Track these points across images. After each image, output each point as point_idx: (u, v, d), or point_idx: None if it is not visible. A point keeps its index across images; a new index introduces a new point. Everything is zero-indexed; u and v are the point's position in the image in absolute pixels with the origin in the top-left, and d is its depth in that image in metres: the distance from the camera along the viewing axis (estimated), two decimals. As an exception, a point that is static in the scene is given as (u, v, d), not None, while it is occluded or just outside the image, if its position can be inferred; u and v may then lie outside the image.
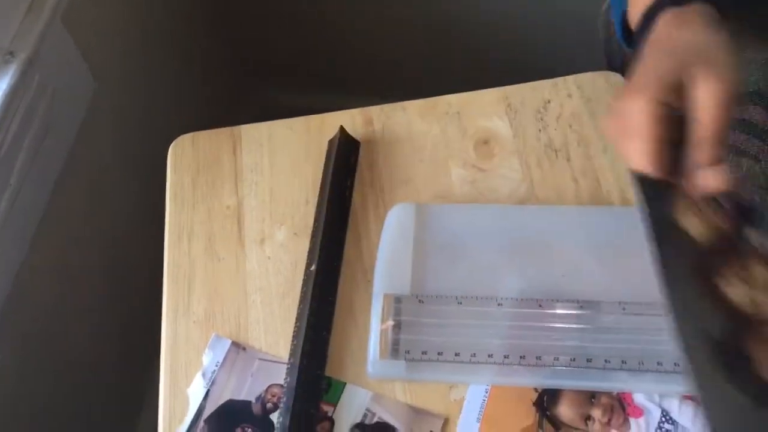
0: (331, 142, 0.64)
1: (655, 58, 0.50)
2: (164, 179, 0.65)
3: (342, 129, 0.64)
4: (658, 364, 0.49)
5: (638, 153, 0.45)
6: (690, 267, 0.44)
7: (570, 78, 0.67)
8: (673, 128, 0.45)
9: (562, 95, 0.66)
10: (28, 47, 0.71)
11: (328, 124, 0.66)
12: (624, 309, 0.51)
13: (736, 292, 0.43)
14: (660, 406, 0.49)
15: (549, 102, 0.65)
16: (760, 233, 0.44)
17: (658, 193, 0.46)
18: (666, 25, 0.52)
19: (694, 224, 0.45)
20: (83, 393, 0.90)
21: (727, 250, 0.44)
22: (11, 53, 0.70)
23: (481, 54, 1.05)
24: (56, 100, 0.76)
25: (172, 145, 0.66)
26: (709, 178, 0.44)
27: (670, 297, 0.42)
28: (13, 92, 0.70)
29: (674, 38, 0.51)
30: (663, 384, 0.49)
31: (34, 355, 0.80)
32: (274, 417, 0.53)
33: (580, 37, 0.80)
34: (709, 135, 0.45)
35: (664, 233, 0.45)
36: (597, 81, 0.66)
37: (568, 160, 0.62)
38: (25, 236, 0.76)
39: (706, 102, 0.44)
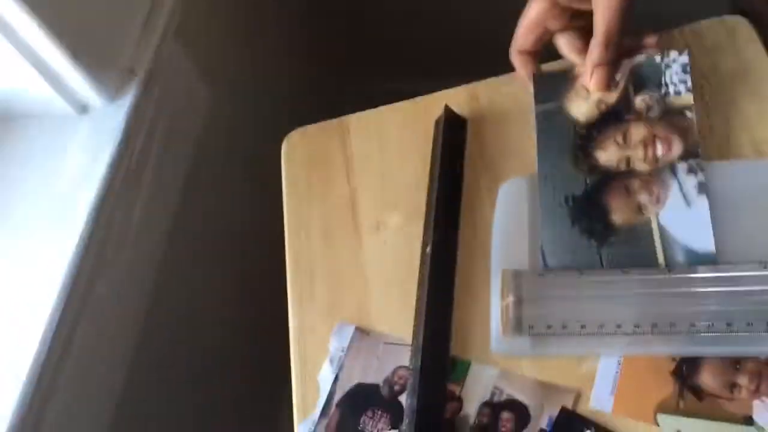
0: (437, 122, 0.64)
1: None
2: (279, 175, 0.67)
3: (447, 108, 0.63)
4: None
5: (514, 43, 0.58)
6: (568, 145, 0.55)
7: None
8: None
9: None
10: (146, 64, 0.75)
11: (434, 104, 0.65)
12: (766, 267, 0.47)
13: (607, 156, 0.54)
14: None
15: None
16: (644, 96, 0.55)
17: (552, 84, 0.58)
18: None
19: (580, 107, 0.56)
20: (219, 389, 0.95)
21: (609, 122, 0.55)
22: (132, 71, 0.74)
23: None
24: (175, 112, 0.81)
25: (284, 141, 0.68)
26: (591, 79, 0.55)
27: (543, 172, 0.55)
28: (137, 109, 0.74)
29: None
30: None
31: (170, 353, 0.85)
32: (403, 399, 0.53)
33: None
34: (599, 38, 0.52)
35: (550, 122, 0.57)
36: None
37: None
38: (159, 240, 0.81)
39: (601, 6, 0.51)
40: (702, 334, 0.47)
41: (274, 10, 1.10)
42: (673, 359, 0.49)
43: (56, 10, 0.66)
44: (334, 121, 0.68)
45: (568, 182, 0.55)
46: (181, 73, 0.84)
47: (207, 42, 0.90)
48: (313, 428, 0.54)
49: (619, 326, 0.49)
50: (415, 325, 0.55)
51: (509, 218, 0.56)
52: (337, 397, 0.55)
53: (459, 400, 0.53)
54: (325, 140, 0.67)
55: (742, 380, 0.46)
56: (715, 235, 0.50)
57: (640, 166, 0.53)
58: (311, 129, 0.68)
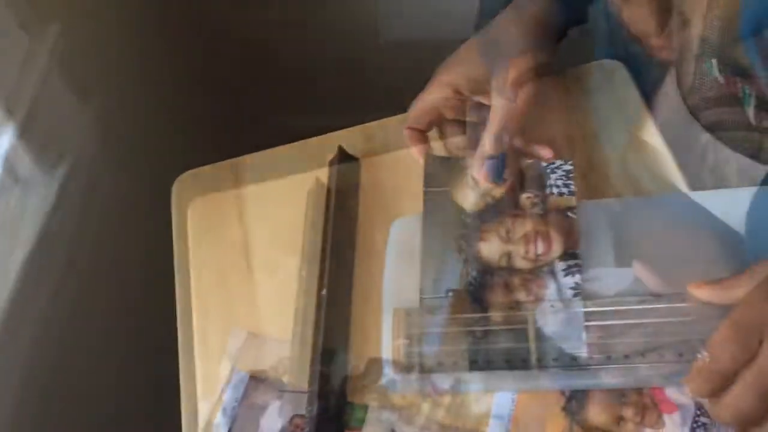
0: (330, 162, 0.63)
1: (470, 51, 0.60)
2: (169, 219, 0.65)
3: (340, 148, 0.63)
4: (679, 355, 0.47)
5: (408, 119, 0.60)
6: (453, 232, 0.56)
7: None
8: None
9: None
10: (26, 101, 0.71)
11: (328, 144, 0.65)
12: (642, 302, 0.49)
13: (489, 249, 0.55)
14: (694, 399, 0.47)
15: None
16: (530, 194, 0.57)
17: (442, 169, 0.59)
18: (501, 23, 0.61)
19: (468, 196, 0.57)
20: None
21: (494, 214, 0.56)
22: (10, 112, 0.70)
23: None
24: (59, 147, 0.77)
25: (174, 184, 0.66)
26: (480, 170, 0.55)
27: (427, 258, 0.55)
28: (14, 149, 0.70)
29: (496, 34, 0.60)
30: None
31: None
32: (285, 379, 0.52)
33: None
34: (493, 131, 0.54)
35: (437, 205, 0.57)
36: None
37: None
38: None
39: (499, 101, 0.54)
40: (584, 368, 0.48)
41: (166, 57, 1.08)
42: (563, 394, 0.50)
43: None
44: (226, 163, 0.67)
45: (450, 273, 0.54)
46: (64, 111, 0.80)
47: (95, 80, 0.87)
48: (211, 406, 0.52)
49: (507, 361, 0.49)
50: (311, 370, 0.54)
51: (401, 256, 0.56)
52: (233, 381, 0.53)
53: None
54: (218, 182, 0.66)
55: (627, 413, 0.47)
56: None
57: (520, 263, 0.54)
58: (203, 171, 0.67)
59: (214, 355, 0.57)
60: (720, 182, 0.59)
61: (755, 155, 0.57)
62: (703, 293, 0.47)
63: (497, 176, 0.56)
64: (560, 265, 0.53)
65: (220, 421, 0.54)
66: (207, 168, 0.67)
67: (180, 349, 0.58)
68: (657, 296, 0.50)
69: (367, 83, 1.15)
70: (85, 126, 0.84)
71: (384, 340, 0.53)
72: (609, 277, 0.53)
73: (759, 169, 0.57)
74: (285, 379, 0.55)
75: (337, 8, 1.18)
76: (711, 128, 0.59)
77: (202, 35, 1.17)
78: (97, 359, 0.87)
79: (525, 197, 0.56)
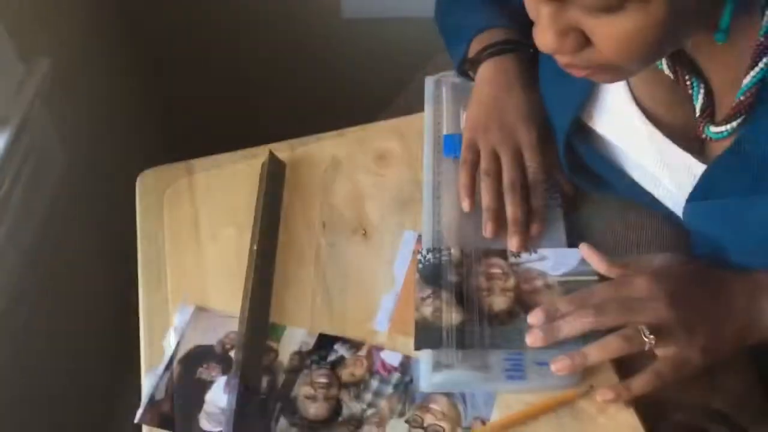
0: (263, 163, 0.84)
1: (478, 124, 0.75)
2: (130, 211, 0.83)
3: (271, 152, 0.83)
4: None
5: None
6: None
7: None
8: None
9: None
10: (18, 117, 0.89)
11: (261, 153, 0.85)
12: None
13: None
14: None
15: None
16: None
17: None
18: (487, 83, 0.76)
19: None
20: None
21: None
22: (5, 120, 0.88)
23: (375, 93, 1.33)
24: (38, 160, 0.95)
25: (138, 177, 0.85)
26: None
27: None
28: (7, 152, 0.88)
29: (493, 104, 0.75)
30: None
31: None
32: (232, 354, 0.69)
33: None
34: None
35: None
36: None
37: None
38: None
39: (506, 180, 0.72)
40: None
41: (130, 87, 1.30)
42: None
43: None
44: (181, 163, 0.86)
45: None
46: (45, 129, 0.98)
47: (70, 107, 1.06)
48: (157, 380, 0.68)
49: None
50: (243, 300, 0.72)
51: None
52: (179, 356, 0.69)
53: (276, 351, 0.69)
54: (174, 176, 0.84)
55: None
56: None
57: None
58: (162, 168, 0.86)
59: (168, 296, 0.74)
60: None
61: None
62: (591, 257, 0.68)
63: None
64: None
65: (171, 336, 0.70)
66: (165, 166, 0.86)
67: (140, 292, 0.74)
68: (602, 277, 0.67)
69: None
70: (57, 146, 1.03)
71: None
72: (557, 256, 0.71)
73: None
74: (223, 309, 0.73)
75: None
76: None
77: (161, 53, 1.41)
78: (54, 343, 1.02)
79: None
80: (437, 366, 0.65)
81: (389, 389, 0.67)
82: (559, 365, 0.62)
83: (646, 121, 0.65)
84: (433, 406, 0.65)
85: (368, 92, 1.49)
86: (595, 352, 0.62)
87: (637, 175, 0.72)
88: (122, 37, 1.38)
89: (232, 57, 1.52)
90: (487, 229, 0.73)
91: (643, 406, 0.64)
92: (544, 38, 0.50)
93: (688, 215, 0.65)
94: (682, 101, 0.63)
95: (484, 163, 0.74)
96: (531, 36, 0.54)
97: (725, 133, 0.58)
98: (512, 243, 0.72)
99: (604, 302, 0.63)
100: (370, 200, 0.81)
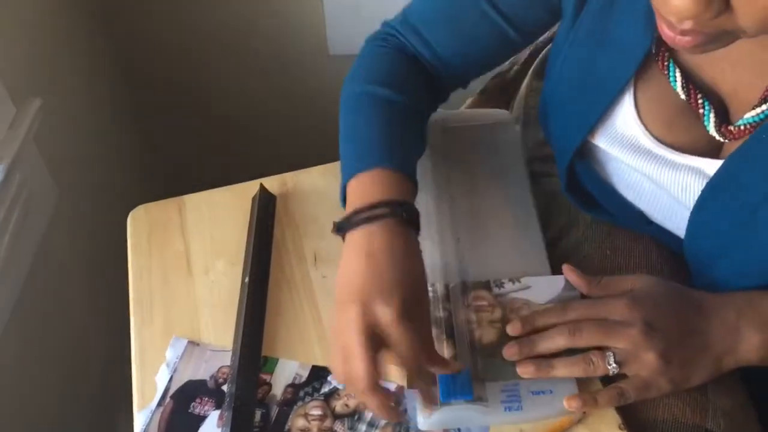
0: (254, 197, 0.84)
1: (337, 311, 0.60)
2: (121, 249, 0.83)
3: (261, 186, 0.84)
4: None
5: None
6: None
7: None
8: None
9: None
10: (10, 155, 0.90)
11: (252, 188, 0.86)
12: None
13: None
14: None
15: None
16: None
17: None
18: (349, 252, 0.63)
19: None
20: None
21: None
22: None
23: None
24: (30, 195, 0.95)
25: (130, 214, 0.85)
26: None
27: None
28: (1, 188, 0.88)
29: (348, 280, 0.61)
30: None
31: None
32: (225, 388, 0.69)
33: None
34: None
35: None
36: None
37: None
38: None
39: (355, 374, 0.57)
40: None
41: (119, 127, 1.31)
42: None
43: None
44: (172, 199, 0.87)
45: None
46: (36, 171, 0.99)
47: (59, 146, 1.07)
48: (150, 415, 0.67)
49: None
50: (235, 334, 0.72)
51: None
52: (171, 391, 0.69)
53: (269, 384, 0.69)
54: (165, 212, 0.85)
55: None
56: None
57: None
58: (153, 204, 0.86)
59: (159, 330, 0.74)
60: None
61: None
62: (571, 276, 0.68)
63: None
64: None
65: (163, 371, 0.70)
66: (155, 203, 0.86)
67: (132, 327, 0.75)
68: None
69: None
70: (49, 186, 1.04)
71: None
72: (540, 285, 0.71)
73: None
74: (215, 342, 0.73)
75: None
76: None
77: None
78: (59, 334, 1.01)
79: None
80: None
81: (383, 420, 0.66)
82: (523, 369, 0.64)
83: (652, 138, 0.66)
84: (427, 436, 0.65)
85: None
86: (561, 369, 0.64)
87: (632, 195, 0.73)
88: (112, 76, 1.40)
89: (222, 94, 1.54)
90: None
91: (636, 427, 0.65)
92: (685, 3, 0.49)
93: (694, 222, 0.66)
94: (688, 122, 0.65)
95: (338, 370, 0.61)
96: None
97: (762, 115, 0.59)
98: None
99: (580, 322, 0.64)
100: (360, 231, 0.81)
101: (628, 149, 0.68)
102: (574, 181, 0.77)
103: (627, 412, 0.66)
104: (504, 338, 0.68)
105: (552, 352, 0.65)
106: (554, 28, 1.00)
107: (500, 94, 1.02)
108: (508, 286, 0.72)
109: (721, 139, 0.63)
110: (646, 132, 0.67)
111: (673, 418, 0.65)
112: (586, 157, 0.75)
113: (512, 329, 0.67)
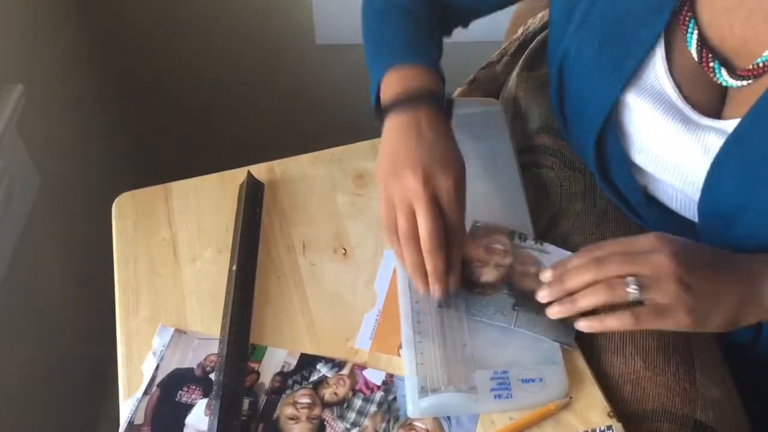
0: (241, 185, 0.83)
1: (389, 174, 0.67)
2: (107, 237, 0.82)
3: (249, 173, 0.83)
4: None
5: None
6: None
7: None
8: None
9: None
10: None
11: (239, 175, 0.85)
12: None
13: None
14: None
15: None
16: None
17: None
18: (396, 131, 0.69)
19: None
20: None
21: None
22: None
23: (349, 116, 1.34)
24: (12, 180, 0.94)
25: (115, 201, 0.84)
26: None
27: None
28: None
29: (404, 152, 0.67)
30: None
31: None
32: (213, 377, 0.68)
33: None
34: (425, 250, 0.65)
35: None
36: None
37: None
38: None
39: (422, 232, 0.65)
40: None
41: (104, 117, 1.29)
42: (409, 327, 0.69)
43: None
44: (159, 186, 0.85)
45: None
46: (18, 158, 0.97)
47: (42, 133, 1.05)
48: (136, 404, 0.66)
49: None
50: (223, 321, 0.71)
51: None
52: (158, 380, 0.68)
53: (257, 373, 0.69)
54: (151, 199, 0.84)
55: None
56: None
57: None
58: (138, 191, 0.85)
59: (146, 318, 0.73)
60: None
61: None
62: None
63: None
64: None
65: (150, 360, 0.69)
66: (142, 190, 0.85)
67: (117, 314, 0.73)
68: None
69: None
70: (31, 174, 1.02)
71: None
72: (557, 255, 0.72)
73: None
74: (202, 331, 0.72)
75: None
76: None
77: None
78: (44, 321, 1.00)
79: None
80: (423, 391, 0.65)
81: (373, 408, 0.66)
82: (550, 310, 0.65)
83: (680, 94, 0.66)
84: (417, 423, 0.65)
85: (342, 116, 1.51)
86: (583, 299, 0.63)
87: (646, 160, 0.72)
88: (95, 62, 1.38)
89: (209, 83, 1.53)
90: (421, 290, 0.68)
91: (626, 417, 0.65)
92: None
93: (711, 180, 0.65)
94: (706, 81, 0.66)
95: (402, 224, 0.67)
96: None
97: None
98: (434, 290, 0.68)
99: (607, 255, 0.63)
100: (349, 220, 0.81)
101: (658, 104, 0.68)
102: (601, 150, 0.75)
103: (616, 402, 0.66)
104: (500, 283, 0.70)
105: (581, 287, 0.63)
106: (545, 17, 1.00)
107: (489, 84, 1.01)
108: (530, 243, 0.74)
109: (736, 84, 0.63)
110: (676, 88, 0.67)
111: (662, 408, 0.66)
112: (610, 121, 0.73)
113: (544, 276, 0.66)
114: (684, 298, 0.59)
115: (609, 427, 0.63)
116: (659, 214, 0.75)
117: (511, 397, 0.65)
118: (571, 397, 0.65)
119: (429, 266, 0.66)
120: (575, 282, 0.64)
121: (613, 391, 0.67)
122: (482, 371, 0.66)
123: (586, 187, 0.81)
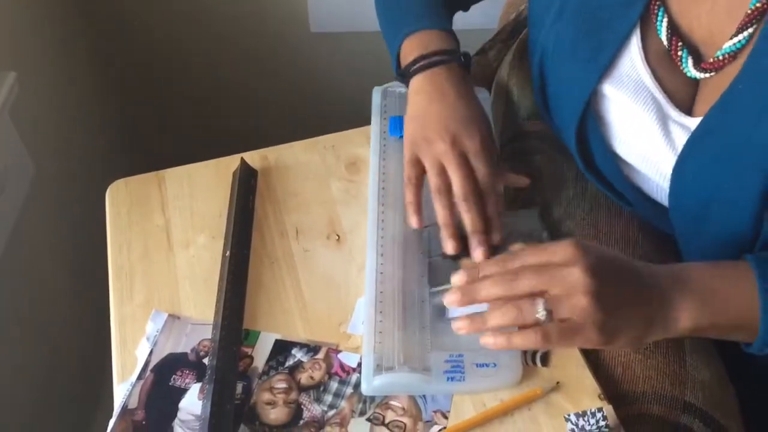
0: (234, 172, 0.84)
1: (418, 138, 0.73)
2: (100, 224, 0.82)
3: (243, 160, 0.83)
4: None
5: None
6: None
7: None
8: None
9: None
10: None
11: (233, 162, 0.85)
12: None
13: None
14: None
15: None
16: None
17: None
18: (420, 95, 0.75)
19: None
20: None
21: None
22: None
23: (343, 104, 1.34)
24: (5, 168, 0.94)
25: (109, 188, 0.84)
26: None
27: None
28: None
29: (430, 115, 0.73)
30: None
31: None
32: (206, 361, 0.69)
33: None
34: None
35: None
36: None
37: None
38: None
39: (454, 181, 0.70)
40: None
41: (97, 105, 1.29)
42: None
43: None
44: (152, 173, 0.85)
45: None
46: (12, 142, 0.97)
47: (34, 120, 1.05)
48: (130, 388, 0.67)
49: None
50: (216, 307, 0.72)
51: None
52: (152, 365, 0.69)
53: (251, 357, 0.69)
54: (145, 186, 0.84)
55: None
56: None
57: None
58: (132, 178, 0.85)
59: (140, 303, 0.73)
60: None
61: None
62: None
63: None
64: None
65: (144, 345, 0.70)
66: (135, 177, 0.85)
67: (111, 300, 0.74)
68: None
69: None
70: (25, 162, 1.02)
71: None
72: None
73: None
74: (196, 316, 0.72)
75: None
76: None
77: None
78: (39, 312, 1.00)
79: None
80: (378, 369, 0.65)
81: (349, 390, 0.67)
82: (459, 324, 0.60)
83: (655, 82, 0.66)
84: (393, 402, 0.65)
85: (336, 103, 1.51)
86: (492, 319, 0.59)
87: (625, 151, 0.72)
88: (88, 49, 1.38)
89: (203, 71, 1.53)
90: (449, 246, 0.70)
91: (616, 399, 0.65)
92: None
93: (679, 175, 0.65)
94: (673, 70, 0.66)
95: (433, 179, 0.71)
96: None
97: (739, 44, 0.60)
98: (476, 254, 0.69)
99: (522, 268, 0.59)
100: (342, 206, 0.81)
101: (633, 95, 0.68)
102: (583, 143, 0.75)
103: (607, 384, 0.67)
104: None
105: (489, 300, 0.60)
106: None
107: (482, 71, 1.01)
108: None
109: (699, 76, 0.64)
110: (651, 75, 0.67)
111: (652, 390, 0.66)
112: (590, 112, 0.72)
113: (456, 279, 0.62)
114: (595, 316, 0.56)
115: (600, 409, 0.64)
116: (646, 204, 0.75)
117: (464, 380, 0.65)
118: (558, 383, 0.66)
119: (470, 225, 0.70)
120: (485, 294, 0.59)
121: (604, 374, 0.68)
122: (438, 353, 0.66)
123: (578, 173, 0.81)
